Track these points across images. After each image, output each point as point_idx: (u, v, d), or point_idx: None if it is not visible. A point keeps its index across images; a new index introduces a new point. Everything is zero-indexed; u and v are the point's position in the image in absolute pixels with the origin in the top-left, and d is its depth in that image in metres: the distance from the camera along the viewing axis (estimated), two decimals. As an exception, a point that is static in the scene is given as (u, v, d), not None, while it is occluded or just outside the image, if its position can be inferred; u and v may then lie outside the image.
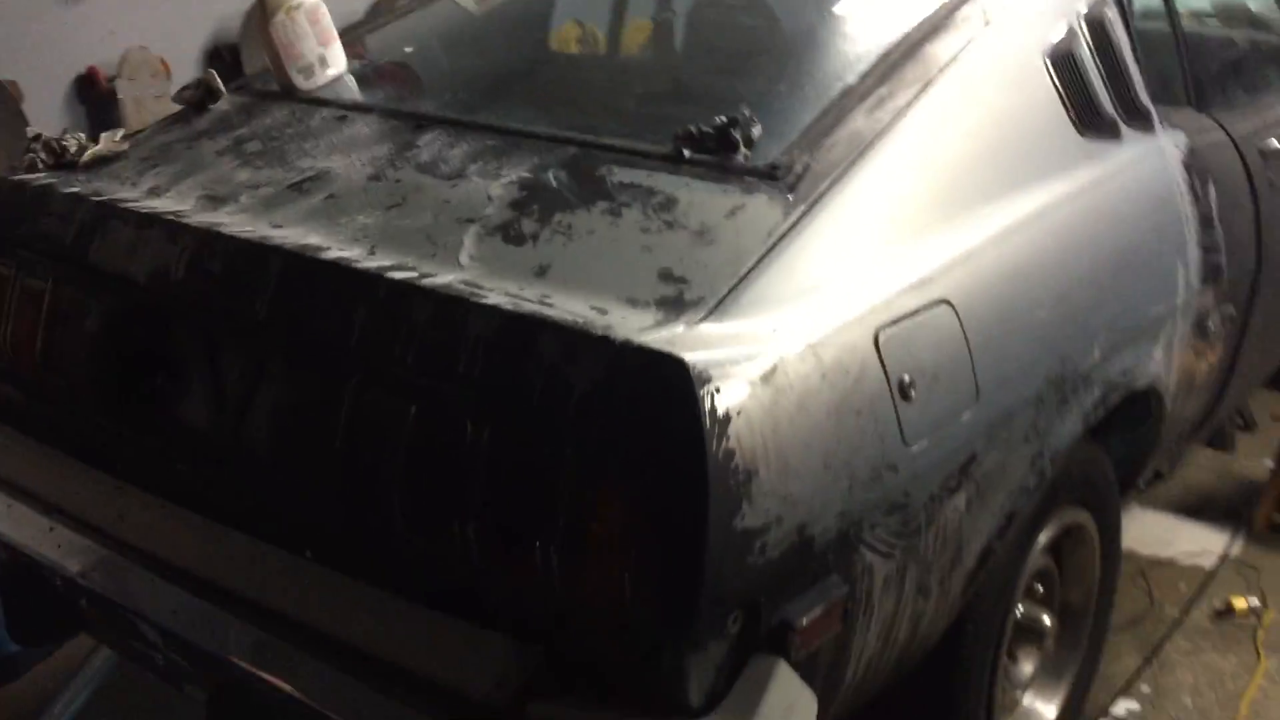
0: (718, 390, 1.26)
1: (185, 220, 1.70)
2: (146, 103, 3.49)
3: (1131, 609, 2.69)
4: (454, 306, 1.42)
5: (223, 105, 2.15)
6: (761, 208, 1.54)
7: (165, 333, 1.73)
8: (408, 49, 2.43)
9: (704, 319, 1.37)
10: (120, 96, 3.48)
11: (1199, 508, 3.21)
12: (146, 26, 3.58)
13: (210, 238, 1.65)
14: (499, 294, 1.42)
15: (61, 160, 2.01)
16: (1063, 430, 1.77)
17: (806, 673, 1.37)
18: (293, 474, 1.59)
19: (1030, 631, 2.06)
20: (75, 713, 2.40)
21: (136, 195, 1.83)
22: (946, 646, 1.76)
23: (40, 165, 2.01)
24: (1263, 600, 2.77)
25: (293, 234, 1.63)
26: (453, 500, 1.40)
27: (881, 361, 1.45)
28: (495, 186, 1.68)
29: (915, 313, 1.51)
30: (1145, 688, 2.50)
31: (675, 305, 1.39)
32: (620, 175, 1.66)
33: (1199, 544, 3.03)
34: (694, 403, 1.25)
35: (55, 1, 3.42)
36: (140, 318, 1.75)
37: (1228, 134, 2.30)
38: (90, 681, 2.49)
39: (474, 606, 1.41)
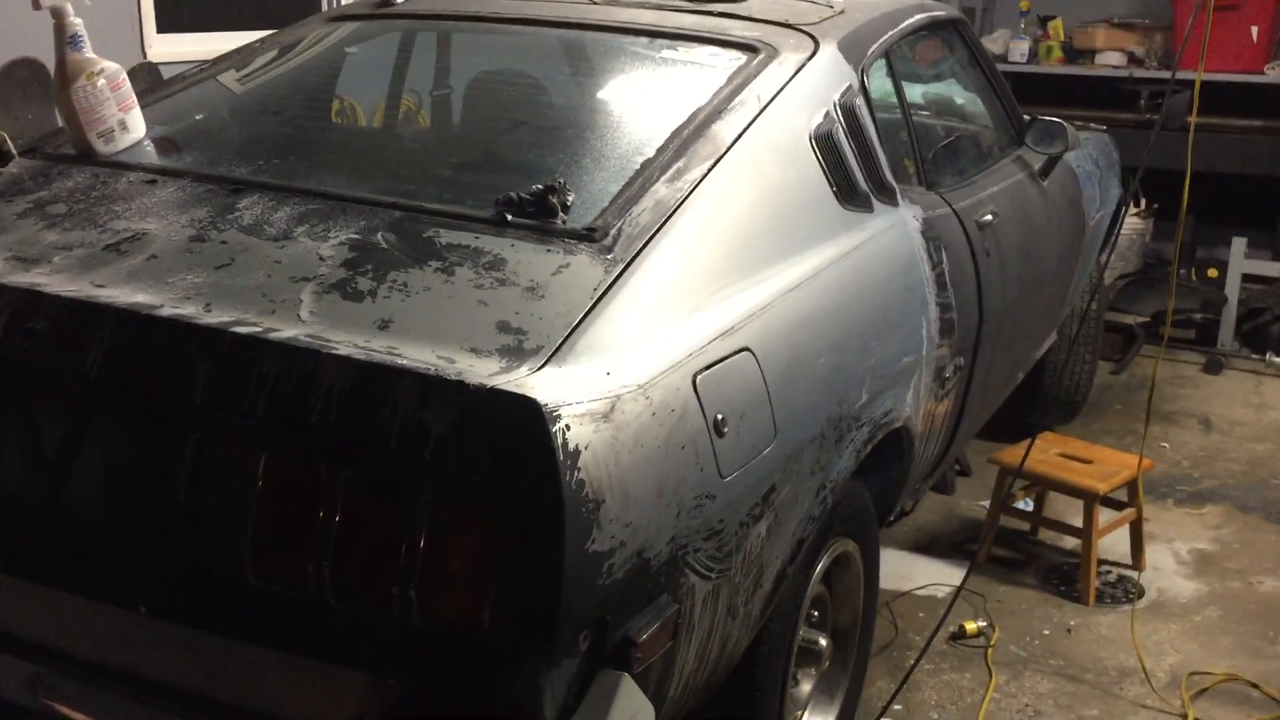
0: (567, 427, 1.40)
1: (1, 280, 1.68)
2: (-119, 165, 3.27)
3: (879, 637, 2.97)
4: (304, 358, 1.49)
5: (13, 168, 2.10)
6: (584, 266, 1.70)
7: (-24, 394, 1.68)
8: (199, 117, 2.45)
9: (544, 365, 1.50)
10: None
11: (929, 544, 3.58)
12: (-118, 85, 3.37)
13: (31, 297, 1.64)
14: (347, 345, 1.50)
15: None
16: (839, 465, 2.01)
17: (642, 686, 1.51)
18: (125, 530, 1.58)
19: (808, 653, 2.27)
20: None
21: (-66, 256, 1.78)
22: (744, 666, 1.93)
23: None
24: (990, 623, 3.13)
25: (120, 293, 1.65)
26: (306, 544, 1.46)
27: (700, 402, 1.62)
28: (325, 247, 1.76)
29: (724, 358, 1.70)
30: (897, 706, 2.77)
31: (516, 353, 1.52)
32: (447, 237, 1.78)
33: (932, 576, 3.38)
34: (547, 438, 1.37)
35: None
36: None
37: (951, 208, 2.66)
38: None
39: (328, 648, 1.46)
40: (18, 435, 1.65)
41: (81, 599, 1.59)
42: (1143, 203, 5.74)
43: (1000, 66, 4.22)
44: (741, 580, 1.76)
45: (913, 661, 2.89)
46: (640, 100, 2.32)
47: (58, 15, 2.10)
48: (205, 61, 2.61)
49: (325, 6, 5.04)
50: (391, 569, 1.42)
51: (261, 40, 2.70)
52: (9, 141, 2.12)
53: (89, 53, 2.13)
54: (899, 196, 2.43)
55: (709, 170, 1.92)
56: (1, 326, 1.63)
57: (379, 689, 1.41)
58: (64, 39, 2.11)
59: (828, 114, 2.25)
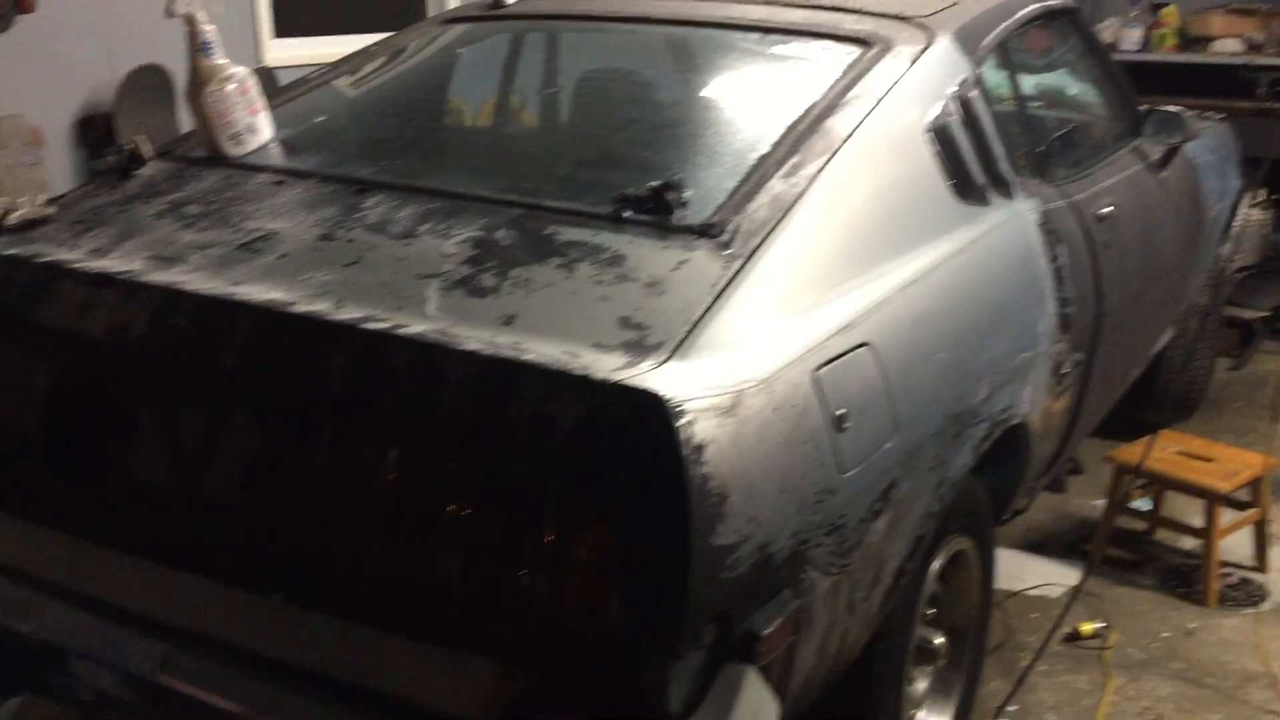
0: (692, 422, 1.41)
1: (143, 279, 1.75)
2: (18, 170, 3.43)
3: (991, 637, 2.93)
4: (433, 353, 1.52)
5: (149, 170, 2.19)
6: (703, 262, 1.71)
7: (118, 389, 1.76)
8: (319, 119, 2.52)
9: (667, 360, 1.51)
10: (-8, 164, 3.42)
11: (1041, 544, 3.51)
12: (21, 94, 3.53)
13: (172, 295, 1.71)
14: (475, 341, 1.53)
15: (-16, 225, 2.02)
16: (958, 461, 1.98)
17: (765, 680, 1.51)
18: (262, 519, 1.64)
19: (925, 651, 2.25)
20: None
21: (80, 256, 1.86)
22: (861, 663, 1.92)
23: (-40, 229, 2.01)
24: (1107, 624, 3.06)
25: (254, 290, 1.70)
26: (436, 535, 1.49)
27: (820, 397, 1.62)
28: (449, 245, 1.80)
29: (843, 354, 1.70)
30: (1013, 707, 2.72)
31: (639, 349, 1.53)
32: (566, 234, 1.80)
33: (1044, 576, 3.31)
34: (672, 433, 1.39)
35: (-75, 68, 3.35)
36: (92, 375, 1.78)
37: (1069, 201, 2.61)
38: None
39: (458, 636, 1.50)
40: (160, 427, 1.72)
41: (218, 585, 1.65)
42: (1263, 194, 5.54)
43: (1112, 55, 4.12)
44: (861, 576, 1.75)
45: (1026, 662, 2.84)
46: (753, 96, 2.32)
47: (190, 22, 2.18)
48: (323, 65, 2.69)
49: (431, 10, 5.14)
50: (519, 560, 1.45)
51: (377, 44, 2.76)
52: (147, 143, 2.20)
53: (220, 58, 2.21)
54: (1016, 189, 2.39)
55: (825, 165, 1.91)
56: (144, 323, 1.70)
57: (508, 677, 1.44)
58: (196, 45, 2.19)
59: (943, 107, 2.22)
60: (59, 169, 3.67)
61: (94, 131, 3.75)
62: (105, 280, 1.76)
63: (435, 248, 1.80)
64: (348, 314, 1.62)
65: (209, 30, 2.19)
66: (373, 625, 1.54)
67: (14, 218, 2.02)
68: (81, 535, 1.74)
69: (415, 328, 1.57)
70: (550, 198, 1.93)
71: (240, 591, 1.62)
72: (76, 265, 1.81)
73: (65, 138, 3.73)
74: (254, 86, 2.23)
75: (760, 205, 1.82)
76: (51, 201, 2.10)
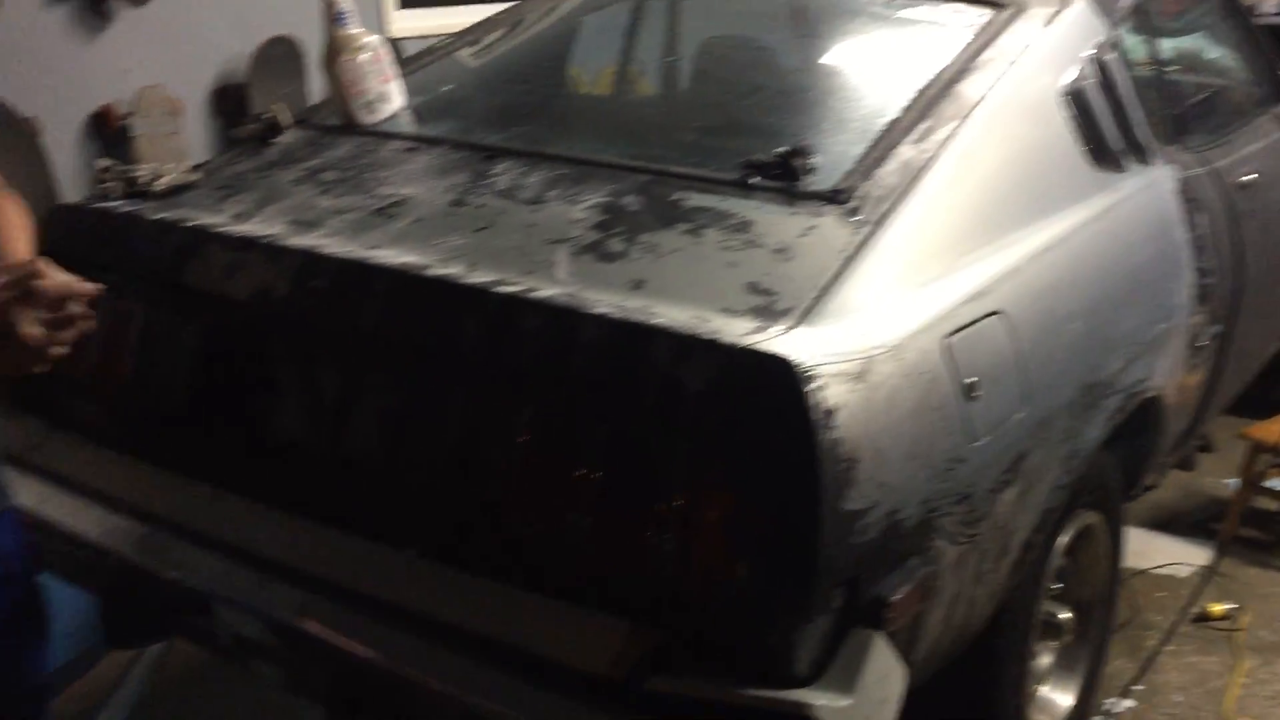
0: (822, 387, 1.40)
1: (283, 243, 1.81)
2: (159, 140, 3.56)
3: (1117, 616, 2.86)
4: (564, 316, 1.55)
5: (287, 138, 2.26)
6: (831, 228, 1.70)
7: (261, 348, 1.83)
8: (446, 88, 2.56)
9: (796, 325, 1.51)
10: (134, 134, 3.54)
11: (1169, 522, 3.42)
12: (160, 66, 3.66)
13: (311, 258, 1.76)
14: (605, 305, 1.55)
15: (134, 189, 2.11)
16: (1090, 434, 1.94)
17: (892, 647, 1.51)
18: (398, 476, 1.69)
19: (1050, 626, 2.22)
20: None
21: (224, 220, 1.93)
22: (986, 635, 1.90)
23: (114, 194, 2.10)
24: (1239, 605, 2.97)
25: (390, 254, 1.75)
26: (566, 496, 1.52)
27: (950, 365, 1.60)
28: (577, 210, 1.82)
29: (974, 322, 1.67)
30: (1139, 687, 2.66)
31: (768, 314, 1.54)
32: (694, 200, 1.81)
33: (1172, 555, 3.23)
34: (803, 398, 1.39)
35: (74, 39, 3.48)
36: (236, 334, 1.85)
37: (1209, 168, 2.52)
38: (126, 701, 2.55)
39: (588, 594, 1.52)
40: (300, 386, 1.78)
41: (354, 538, 1.71)
42: None
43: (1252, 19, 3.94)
44: (988, 547, 1.73)
45: (1154, 642, 2.78)
46: (881, 61, 2.29)
47: (326, -7, 2.23)
48: (447, 35, 2.73)
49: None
50: (647, 521, 1.46)
51: (501, 13, 2.79)
52: (283, 112, 2.27)
53: (354, 28, 2.26)
54: (1153, 156, 2.31)
55: (956, 130, 1.88)
56: (286, 285, 1.76)
57: (637, 636, 1.46)
58: (332, 15, 2.25)
59: (1079, 70, 2.16)
60: (196, 137, 3.79)
61: (228, 101, 3.87)
62: (249, 243, 1.83)
63: (563, 213, 1.82)
64: (480, 277, 1.65)
65: (345, 1, 2.24)
66: (503, 581, 1.58)
67: (161, 183, 2.11)
68: (226, 488, 1.82)
69: (546, 291, 1.60)
70: (676, 164, 1.94)
71: (375, 545, 1.67)
72: (221, 229, 1.88)
73: (201, 107, 3.85)
74: (386, 56, 2.28)
75: (889, 171, 1.80)
76: (196, 168, 2.18)
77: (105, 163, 2.18)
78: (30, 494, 1.87)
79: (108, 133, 3.54)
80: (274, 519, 1.76)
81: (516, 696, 1.48)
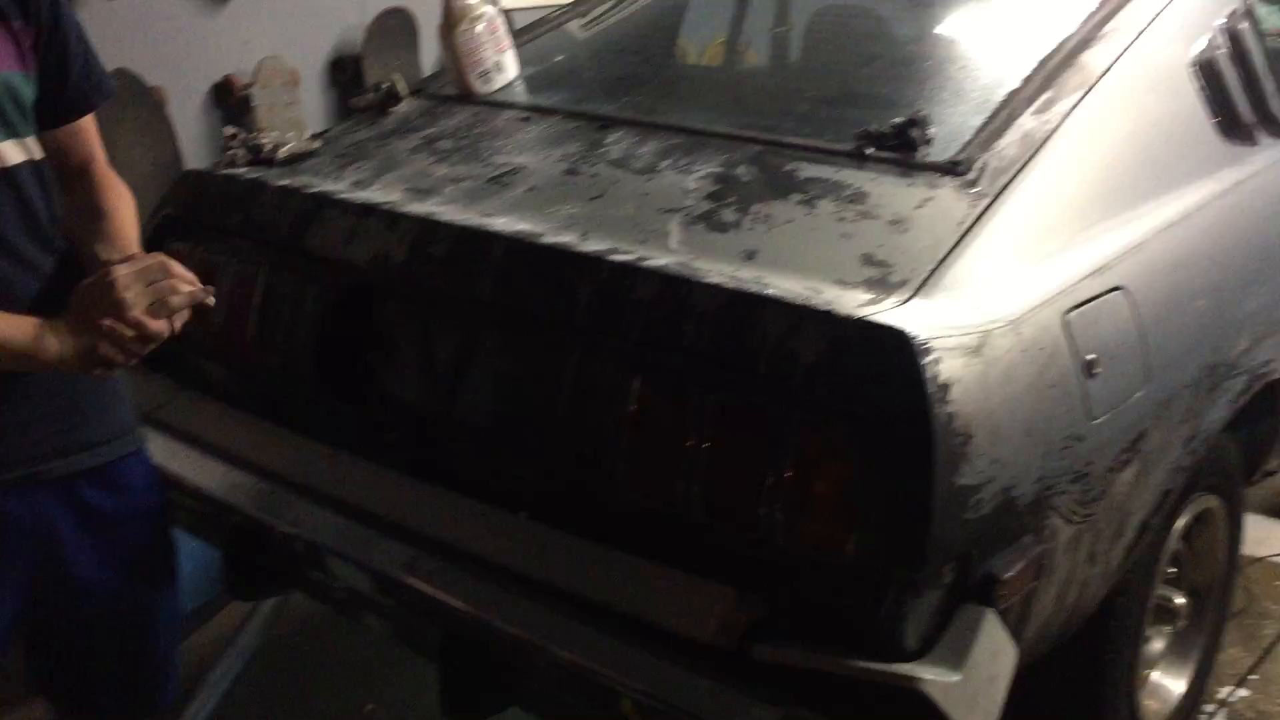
0: (938, 360, 1.39)
1: (402, 210, 1.84)
2: (278, 109, 3.66)
3: (1233, 603, 2.78)
4: (677, 285, 1.55)
5: (404, 107, 2.30)
6: (948, 200, 1.67)
7: (380, 312, 1.87)
8: (558, 59, 2.58)
9: (912, 298, 1.50)
10: (254, 104, 3.65)
11: (1288, 510, 3.30)
12: (279, 37, 3.75)
13: (429, 225, 1.80)
14: (718, 275, 1.55)
15: (258, 157, 2.17)
16: (1212, 415, 1.89)
17: (1003, 624, 1.49)
18: (510, 442, 1.72)
19: (1164, 611, 2.17)
20: (234, 678, 2.55)
21: (344, 188, 1.98)
22: (1098, 618, 1.87)
23: (240, 161, 2.16)
24: (1360, 598, 2.86)
25: (505, 221, 1.77)
26: (677, 463, 1.53)
27: (1070, 341, 1.57)
28: (690, 180, 1.82)
29: (1095, 297, 1.64)
30: (1254, 676, 2.59)
31: (882, 286, 1.52)
32: (808, 170, 1.80)
33: (1292, 544, 3.12)
34: (918, 371, 1.37)
35: (198, 12, 3.59)
36: (355, 299, 1.89)
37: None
38: (245, 651, 2.64)
39: (696, 561, 1.53)
40: (417, 350, 1.83)
41: (466, 499, 1.74)
42: None
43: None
44: (1104, 527, 1.69)
45: (1271, 631, 2.69)
46: (1002, 29, 2.23)
47: (444, -35, 2.26)
48: (560, 6, 2.74)
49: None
50: (758, 491, 1.47)
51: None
52: (400, 83, 2.31)
53: (470, -1, 2.29)
54: (1286, 128, 2.23)
55: (1079, 101, 1.83)
56: (404, 251, 1.80)
57: (744, 604, 1.46)
58: (449, -14, 2.28)
59: (1209, 40, 2.09)
60: (313, 108, 3.89)
61: (344, 72, 3.95)
62: (369, 210, 1.87)
63: (676, 183, 1.82)
64: (593, 246, 1.66)
65: (462, -30, 2.27)
66: (612, 546, 1.60)
67: (283, 151, 2.17)
68: (343, 447, 1.87)
69: (659, 260, 1.60)
70: (790, 134, 1.93)
71: (488, 506, 1.71)
72: (342, 195, 1.93)
73: (319, 78, 3.95)
74: (502, 25, 2.31)
75: (1009, 142, 1.76)
76: (316, 137, 2.23)
77: (231, 131, 2.25)
78: (158, 450, 1.94)
79: (229, 102, 3.66)
80: (388, 478, 1.80)
81: (623, 660, 1.50)
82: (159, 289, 1.41)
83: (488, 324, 1.75)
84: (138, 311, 1.38)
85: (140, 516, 1.63)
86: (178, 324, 1.43)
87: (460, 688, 1.64)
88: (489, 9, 2.31)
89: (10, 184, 1.42)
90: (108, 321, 1.36)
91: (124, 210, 1.57)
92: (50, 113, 1.49)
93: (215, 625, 2.73)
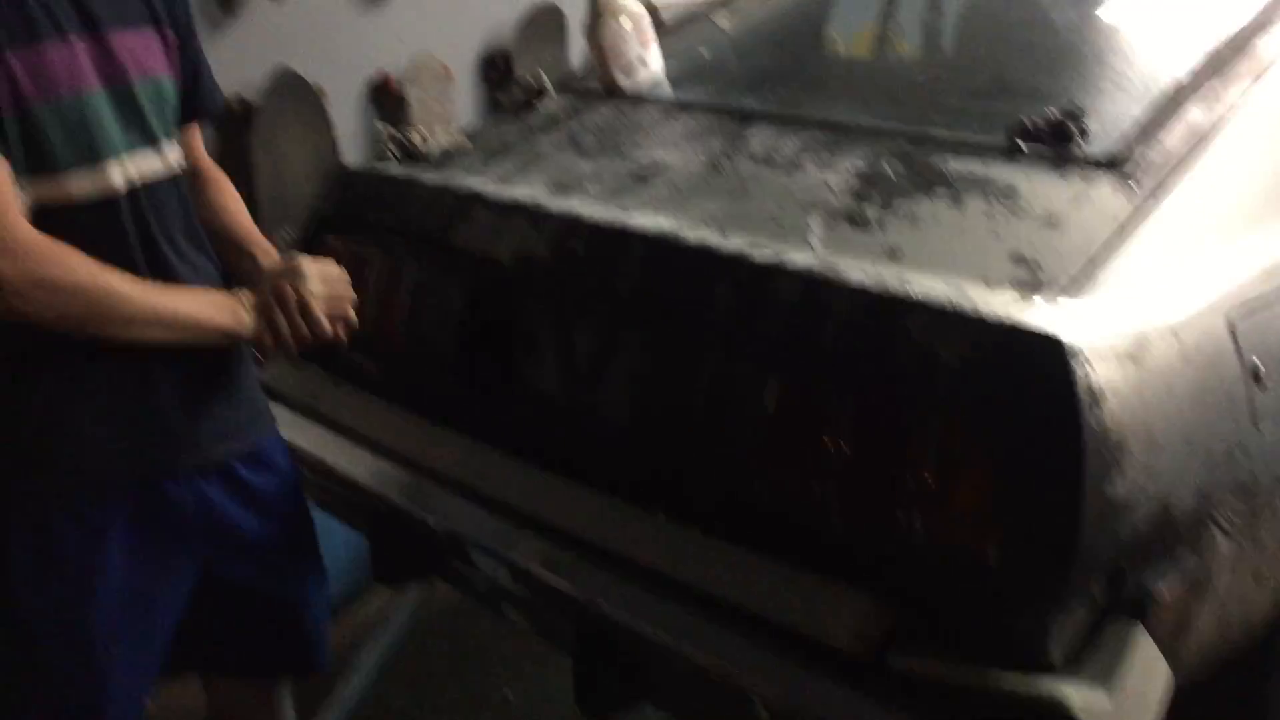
0: (1091, 366, 1.33)
1: (544, 206, 1.86)
2: (431, 105, 3.75)
3: None
4: (817, 284, 1.53)
5: (549, 103, 2.32)
6: (1105, 196, 1.60)
7: (522, 308, 1.90)
8: (705, 52, 2.56)
9: (1063, 299, 1.44)
10: (408, 100, 3.74)
11: None
12: (431, 34, 3.84)
13: (570, 222, 1.81)
14: (859, 273, 1.52)
15: (410, 154, 2.22)
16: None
17: (1156, 643, 1.42)
18: (648, 440, 1.72)
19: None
20: (381, 660, 2.63)
21: (490, 184, 2.01)
22: (1265, 643, 1.76)
23: (392, 158, 2.22)
24: None
25: (645, 218, 1.77)
26: (816, 467, 1.51)
27: (1236, 346, 1.48)
28: (832, 176, 1.79)
29: (1265, 300, 1.54)
30: None
31: (1032, 286, 1.46)
32: (955, 165, 1.74)
33: None
34: (1069, 377, 1.32)
35: (357, 12, 3.71)
36: (499, 294, 1.92)
37: None
38: (391, 634, 2.73)
39: (832, 565, 1.51)
40: (557, 346, 1.84)
41: (602, 496, 1.75)
42: None
43: None
44: (1271, 544, 1.60)
45: None
46: (1167, 16, 2.13)
47: (591, -40, 2.28)
48: (697, 3, 2.73)
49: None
50: (898, 496, 1.43)
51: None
52: (546, 78, 2.34)
53: (616, -6, 2.30)
54: None
55: (1249, 91, 1.73)
56: (546, 248, 1.82)
57: (881, 611, 1.43)
58: (595, -18, 2.29)
59: (1399, 22, 1.94)
60: (465, 103, 3.97)
61: (494, 68, 4.02)
62: (513, 207, 1.89)
63: (818, 178, 1.79)
64: (734, 243, 1.65)
65: (608, -33, 2.28)
66: (747, 548, 1.59)
67: (433, 148, 2.22)
68: (485, 440, 1.90)
69: (799, 258, 1.58)
70: (938, 127, 1.88)
71: (624, 505, 1.71)
72: (487, 192, 1.96)
73: (469, 74, 4.03)
74: (646, 21, 2.31)
75: (1172, 136, 1.67)
76: (465, 133, 2.27)
77: (384, 128, 2.31)
78: (312, 439, 2.02)
79: (385, 99, 3.76)
80: (528, 473, 1.83)
81: (757, 663, 1.48)
82: (338, 297, 1.54)
83: (627, 321, 1.76)
84: (320, 306, 1.49)
85: (287, 491, 1.73)
86: (342, 333, 1.55)
87: (594, 683, 1.66)
88: (633, 5, 2.31)
89: (176, 185, 1.50)
90: (295, 306, 1.48)
91: (243, 208, 1.71)
92: (178, 116, 1.57)
93: (364, 608, 2.82)
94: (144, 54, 1.46)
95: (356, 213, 2.18)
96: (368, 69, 3.76)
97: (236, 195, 1.72)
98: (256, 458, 1.65)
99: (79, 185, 1.38)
